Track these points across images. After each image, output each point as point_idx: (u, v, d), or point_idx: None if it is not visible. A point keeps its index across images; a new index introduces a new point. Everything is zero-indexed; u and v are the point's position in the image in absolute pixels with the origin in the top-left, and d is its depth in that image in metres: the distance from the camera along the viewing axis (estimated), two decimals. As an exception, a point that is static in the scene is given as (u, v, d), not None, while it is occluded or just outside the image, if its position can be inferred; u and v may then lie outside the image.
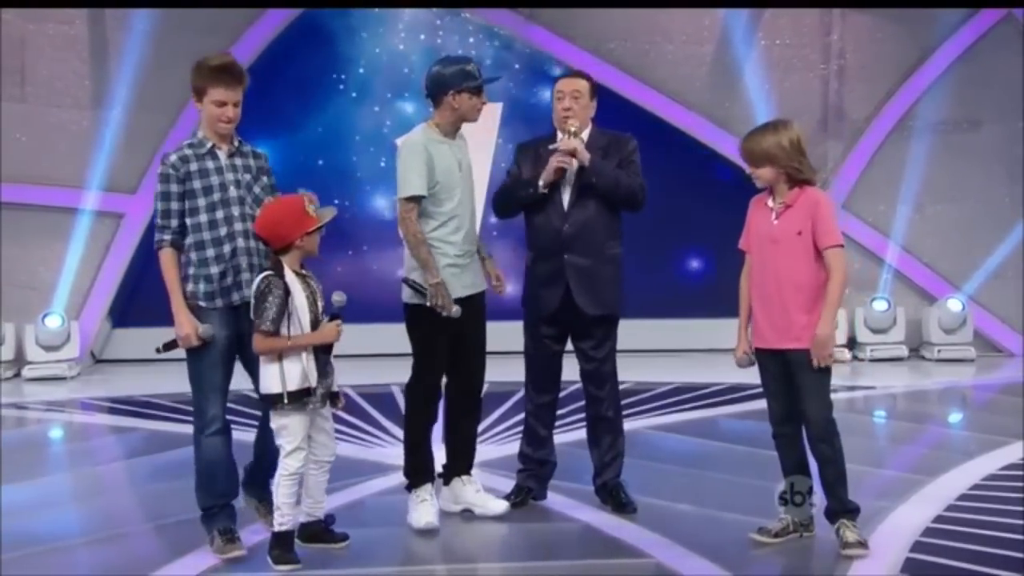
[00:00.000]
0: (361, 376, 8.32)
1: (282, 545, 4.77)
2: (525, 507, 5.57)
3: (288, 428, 4.74)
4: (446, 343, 5.29)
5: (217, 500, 4.97)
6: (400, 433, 5.75)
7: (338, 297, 4.80)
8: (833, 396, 4.97)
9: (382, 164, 10.68)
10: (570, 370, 5.63)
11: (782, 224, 4.87)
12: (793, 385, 4.89)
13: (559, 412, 5.82)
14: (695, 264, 11.23)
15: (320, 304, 4.79)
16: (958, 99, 10.85)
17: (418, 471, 5.35)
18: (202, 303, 4.89)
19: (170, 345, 4.93)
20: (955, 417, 8.75)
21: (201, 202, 4.89)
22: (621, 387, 5.69)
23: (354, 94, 10.95)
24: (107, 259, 10.50)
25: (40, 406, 8.88)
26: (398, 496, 5.51)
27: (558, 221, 5.45)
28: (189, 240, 4.90)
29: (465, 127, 5.42)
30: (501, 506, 5.47)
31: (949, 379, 9.77)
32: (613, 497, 5.54)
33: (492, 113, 10.82)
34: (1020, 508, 5.47)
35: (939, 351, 10.51)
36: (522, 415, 5.78)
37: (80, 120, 10.40)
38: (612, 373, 5.57)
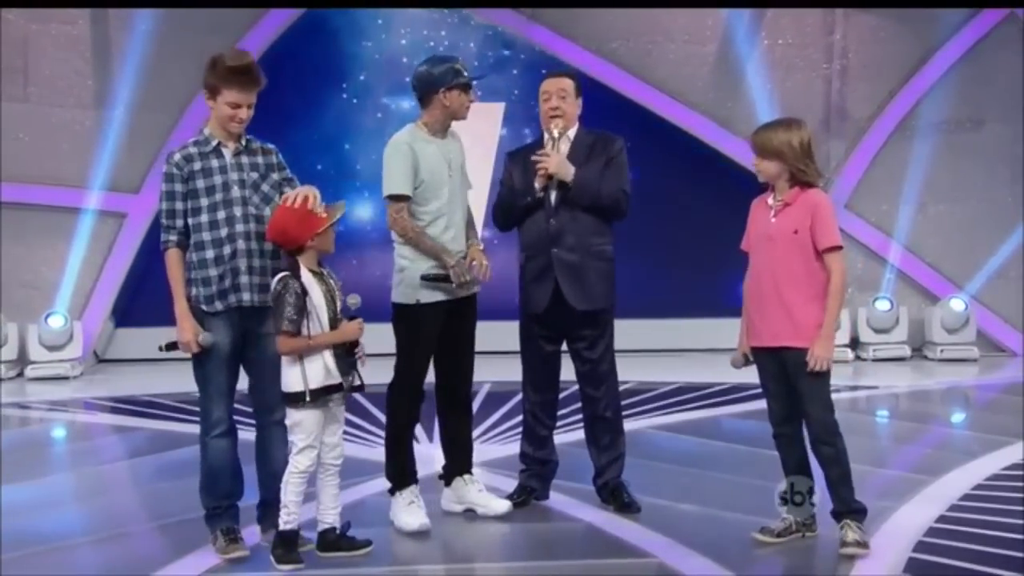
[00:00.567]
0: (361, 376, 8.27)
1: (286, 544, 4.76)
2: (527, 507, 5.57)
3: (302, 425, 4.73)
4: (432, 344, 5.27)
5: (221, 501, 4.96)
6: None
7: (353, 300, 4.80)
8: (835, 396, 4.96)
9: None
10: (570, 370, 5.62)
11: (779, 222, 4.87)
12: (793, 387, 4.89)
13: (560, 412, 5.81)
14: (696, 264, 11.22)
15: (338, 302, 4.79)
16: (961, 99, 10.85)
17: (402, 473, 5.32)
18: (203, 307, 4.85)
19: (172, 346, 4.91)
20: (958, 417, 8.75)
21: (203, 202, 4.84)
22: (623, 387, 5.67)
23: (356, 95, 10.94)
24: (110, 259, 10.51)
25: (43, 406, 8.89)
26: (399, 496, 5.50)
27: (545, 218, 5.44)
28: (191, 240, 4.86)
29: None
30: (503, 506, 5.46)
31: (952, 379, 9.76)
32: (615, 497, 5.52)
33: (494, 113, 10.83)
34: (1023, 508, 5.47)
35: (942, 351, 10.51)
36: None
37: (83, 120, 10.42)
38: (609, 373, 5.55)
